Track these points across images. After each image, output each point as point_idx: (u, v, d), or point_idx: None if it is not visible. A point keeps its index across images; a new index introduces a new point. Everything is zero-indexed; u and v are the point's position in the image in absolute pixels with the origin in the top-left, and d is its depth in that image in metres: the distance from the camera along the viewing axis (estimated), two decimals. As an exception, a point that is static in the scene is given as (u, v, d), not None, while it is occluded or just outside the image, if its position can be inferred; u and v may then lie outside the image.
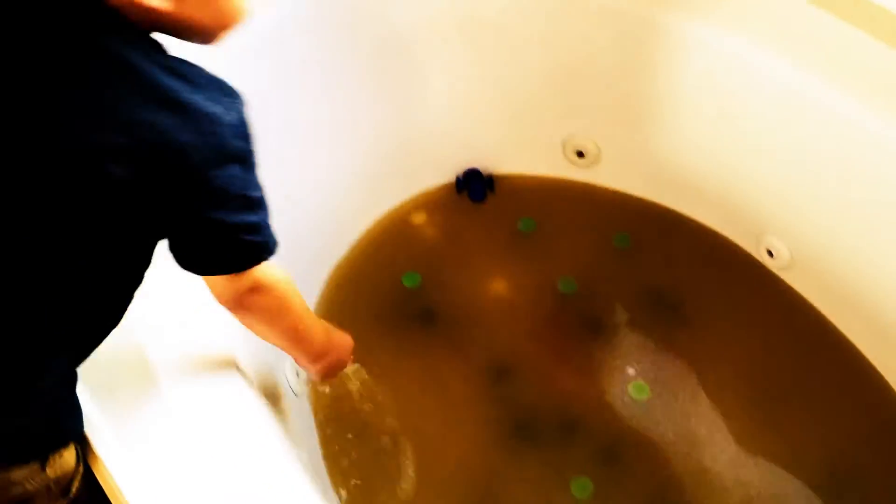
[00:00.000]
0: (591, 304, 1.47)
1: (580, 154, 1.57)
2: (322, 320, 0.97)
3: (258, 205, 0.74)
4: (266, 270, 0.79)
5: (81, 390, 0.83)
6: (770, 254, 1.47)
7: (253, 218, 0.74)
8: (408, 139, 1.55)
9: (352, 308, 1.45)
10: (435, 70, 1.52)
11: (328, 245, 1.51)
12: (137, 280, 0.77)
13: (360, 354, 1.08)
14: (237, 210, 0.72)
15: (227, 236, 0.73)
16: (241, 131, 0.71)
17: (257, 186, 0.74)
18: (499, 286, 1.49)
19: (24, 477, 0.76)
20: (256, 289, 0.79)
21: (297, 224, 1.44)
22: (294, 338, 0.90)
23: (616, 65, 1.46)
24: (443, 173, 1.61)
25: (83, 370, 0.80)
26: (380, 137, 1.53)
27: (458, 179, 1.61)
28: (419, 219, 1.58)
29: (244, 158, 0.72)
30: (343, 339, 1.00)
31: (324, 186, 1.49)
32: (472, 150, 1.60)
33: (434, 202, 1.60)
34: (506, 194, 1.60)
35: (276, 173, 1.39)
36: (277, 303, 0.82)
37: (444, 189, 1.61)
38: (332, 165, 1.50)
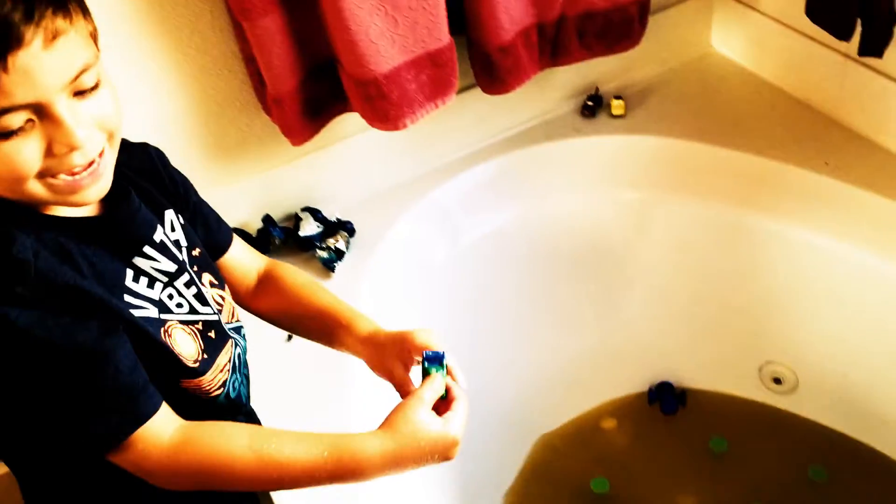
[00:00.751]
0: (782, 535, 1.44)
1: (777, 380, 1.59)
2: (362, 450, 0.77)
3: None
4: (142, 446, 0.75)
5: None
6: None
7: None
8: (605, 345, 1.64)
9: (541, 504, 1.49)
10: (638, 283, 1.63)
11: (521, 438, 1.58)
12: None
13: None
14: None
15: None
16: None
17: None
18: (687, 502, 1.50)
19: None
20: (141, 468, 0.76)
21: (491, 414, 1.54)
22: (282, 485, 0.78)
23: (819, 298, 1.50)
24: (636, 382, 1.67)
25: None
26: (579, 341, 1.63)
27: (650, 390, 1.66)
28: (609, 424, 1.63)
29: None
30: (422, 440, 0.78)
31: (522, 380, 1.59)
32: (667, 364, 1.66)
33: (625, 410, 1.65)
34: (698, 410, 1.63)
35: (478, 363, 1.52)
36: (189, 466, 0.76)
37: (636, 398, 1.66)
38: (531, 361, 1.60)
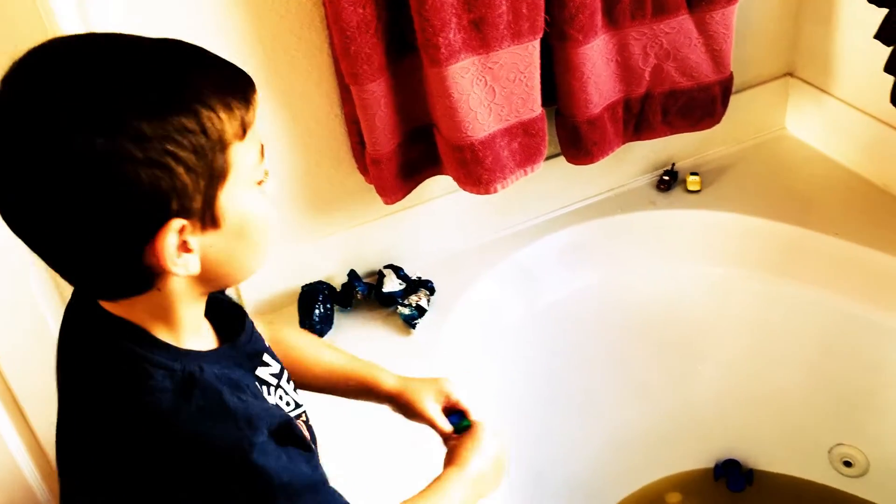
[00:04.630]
0: None
1: (847, 463, 1.58)
2: (454, 482, 0.85)
3: None
4: None
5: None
6: None
7: None
8: (674, 418, 1.64)
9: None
10: (710, 358, 1.63)
11: (586, 508, 1.58)
12: None
13: None
14: None
15: None
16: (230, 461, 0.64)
17: None
18: (755, 583, 1.47)
19: None
20: None
21: (559, 482, 1.54)
22: None
23: (892, 380, 1.50)
24: (702, 458, 1.66)
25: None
26: (648, 412, 1.63)
27: (716, 466, 1.65)
28: (674, 499, 1.62)
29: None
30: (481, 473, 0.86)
31: (590, 448, 1.59)
32: (735, 440, 1.65)
33: (690, 485, 1.64)
34: (765, 490, 1.61)
35: (548, 429, 1.53)
36: None
37: (702, 474, 1.65)
38: (600, 429, 1.61)
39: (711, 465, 1.65)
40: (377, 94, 1.22)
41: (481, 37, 1.21)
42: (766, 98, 1.73)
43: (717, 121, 1.52)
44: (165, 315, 0.66)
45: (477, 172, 1.29)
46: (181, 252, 0.61)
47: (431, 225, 1.52)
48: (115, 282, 0.63)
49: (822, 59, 1.65)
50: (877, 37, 1.32)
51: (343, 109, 1.32)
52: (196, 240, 0.62)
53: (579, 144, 1.41)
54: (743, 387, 1.62)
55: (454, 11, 1.17)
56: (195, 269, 0.63)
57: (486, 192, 1.31)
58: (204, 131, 0.59)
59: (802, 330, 1.56)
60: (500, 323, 1.49)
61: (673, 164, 1.68)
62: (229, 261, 0.66)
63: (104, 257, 0.60)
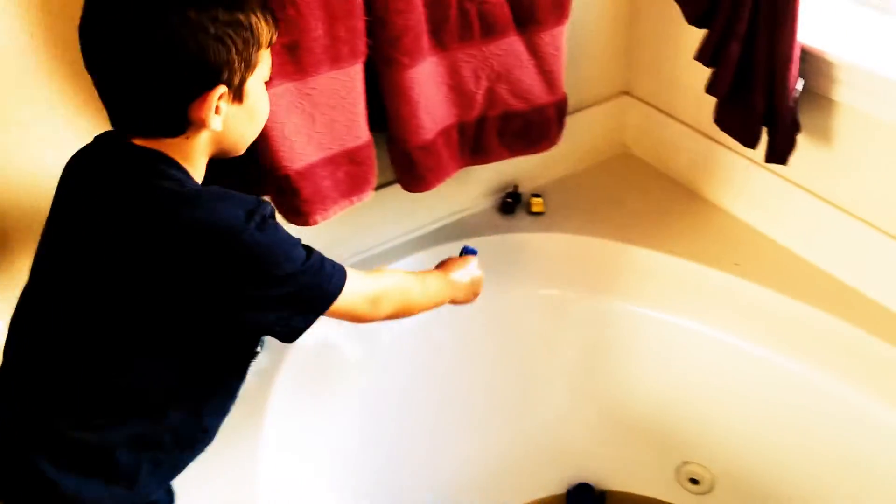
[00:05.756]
0: None
1: (694, 480, 1.58)
2: (435, 274, 1.18)
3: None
4: (339, 304, 0.94)
5: None
6: None
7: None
8: (524, 445, 1.61)
9: None
10: (556, 381, 1.61)
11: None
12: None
13: None
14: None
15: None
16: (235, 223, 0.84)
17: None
18: None
19: None
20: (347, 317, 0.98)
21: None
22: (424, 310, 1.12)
23: (732, 398, 1.51)
24: (554, 484, 1.64)
25: None
26: (497, 441, 1.60)
27: (568, 492, 1.63)
28: (529, 528, 1.59)
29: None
30: (462, 279, 1.22)
31: (438, 483, 1.54)
32: (586, 465, 1.63)
33: (544, 513, 1.61)
34: (617, 513, 1.61)
35: (395, 463, 1.47)
36: (375, 312, 1.02)
37: (555, 501, 1.63)
38: (448, 463, 1.56)
39: (564, 490, 1.63)
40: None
41: (296, 62, 1.14)
42: (604, 118, 1.73)
43: (554, 142, 1.51)
44: (185, 158, 0.89)
45: (294, 203, 1.21)
46: (215, 112, 0.86)
47: (263, 258, 1.43)
48: (161, 122, 0.86)
49: (655, 79, 1.67)
50: (697, 58, 1.33)
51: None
52: (225, 106, 0.87)
53: (413, 171, 1.36)
54: (588, 409, 1.61)
55: (263, 35, 1.10)
56: (219, 127, 0.87)
57: (306, 223, 1.24)
58: (252, 31, 0.86)
59: (642, 349, 1.56)
60: (337, 362, 1.41)
61: (515, 187, 1.66)
62: (236, 132, 0.91)
63: (164, 101, 0.84)
